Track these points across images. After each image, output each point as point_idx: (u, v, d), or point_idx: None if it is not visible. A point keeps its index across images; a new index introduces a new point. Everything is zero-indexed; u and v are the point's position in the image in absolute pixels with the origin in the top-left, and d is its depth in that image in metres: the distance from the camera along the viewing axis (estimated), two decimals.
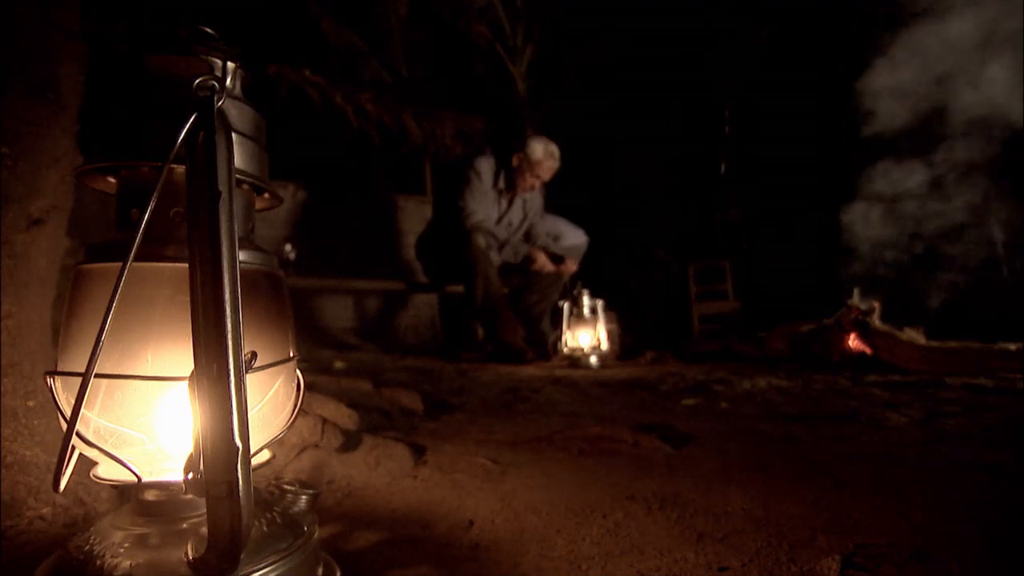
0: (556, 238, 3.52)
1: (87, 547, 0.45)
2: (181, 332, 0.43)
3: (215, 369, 0.39)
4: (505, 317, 3.16)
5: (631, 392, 1.92)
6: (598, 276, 3.61)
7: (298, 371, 0.54)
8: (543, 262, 3.39)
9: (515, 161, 3.30)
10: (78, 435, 0.43)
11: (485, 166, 3.37)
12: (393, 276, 4.39)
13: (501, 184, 3.38)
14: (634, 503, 0.82)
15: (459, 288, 3.59)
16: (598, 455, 1.08)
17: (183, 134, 0.42)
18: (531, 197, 3.47)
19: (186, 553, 0.42)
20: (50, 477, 0.67)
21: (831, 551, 0.64)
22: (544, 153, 3.27)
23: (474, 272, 3.21)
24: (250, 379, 0.42)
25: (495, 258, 3.37)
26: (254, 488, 0.41)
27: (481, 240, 3.24)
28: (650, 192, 4.87)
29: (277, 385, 0.50)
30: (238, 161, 0.46)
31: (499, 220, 3.45)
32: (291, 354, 0.52)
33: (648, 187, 4.80)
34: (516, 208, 3.48)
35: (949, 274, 3.41)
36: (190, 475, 0.40)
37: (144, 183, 0.47)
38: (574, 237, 3.55)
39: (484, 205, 3.36)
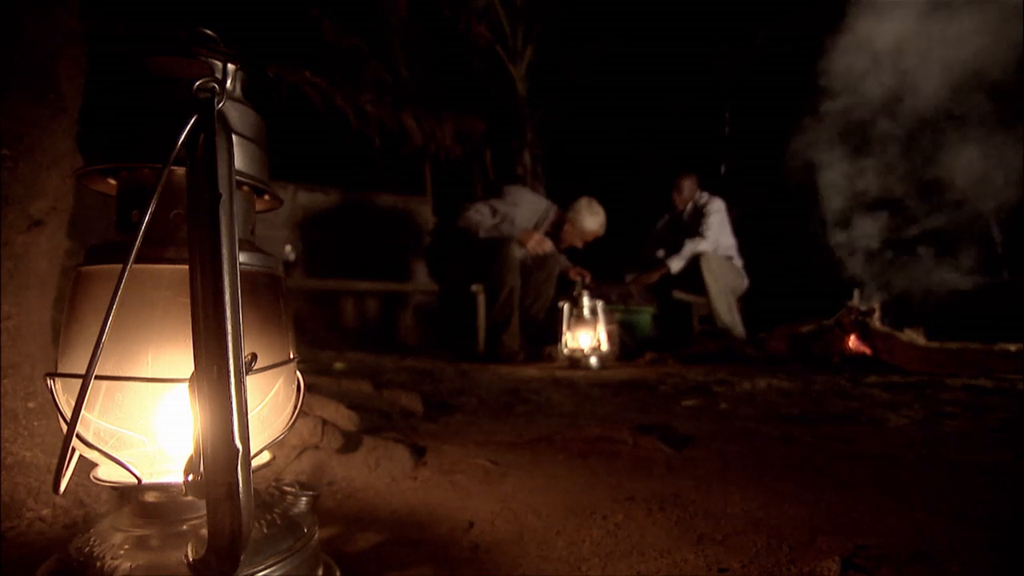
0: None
1: (87, 549, 0.45)
2: (181, 334, 0.43)
3: (215, 371, 0.39)
4: (512, 325, 3.27)
5: (631, 393, 1.92)
6: (597, 277, 3.62)
7: (298, 372, 0.54)
8: (536, 241, 3.40)
9: (566, 223, 3.52)
10: (78, 437, 0.43)
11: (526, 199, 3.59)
12: (393, 277, 4.39)
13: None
14: (634, 504, 0.82)
15: (460, 289, 3.59)
16: (598, 456, 1.08)
17: (183, 136, 0.42)
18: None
19: (186, 555, 0.42)
20: (50, 479, 0.67)
21: (831, 552, 0.64)
22: (597, 224, 3.53)
23: (501, 283, 3.29)
24: (250, 381, 0.42)
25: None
26: (254, 490, 0.41)
27: (516, 251, 3.35)
28: (650, 192, 4.87)
29: (277, 387, 0.50)
30: (238, 163, 0.46)
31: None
32: (291, 355, 0.52)
33: (647, 187, 4.80)
34: None
35: (949, 275, 3.41)
36: (190, 477, 0.40)
37: (144, 185, 0.47)
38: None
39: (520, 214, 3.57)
